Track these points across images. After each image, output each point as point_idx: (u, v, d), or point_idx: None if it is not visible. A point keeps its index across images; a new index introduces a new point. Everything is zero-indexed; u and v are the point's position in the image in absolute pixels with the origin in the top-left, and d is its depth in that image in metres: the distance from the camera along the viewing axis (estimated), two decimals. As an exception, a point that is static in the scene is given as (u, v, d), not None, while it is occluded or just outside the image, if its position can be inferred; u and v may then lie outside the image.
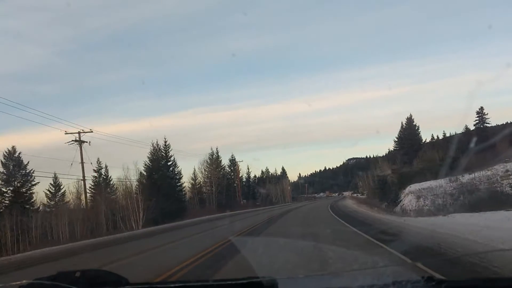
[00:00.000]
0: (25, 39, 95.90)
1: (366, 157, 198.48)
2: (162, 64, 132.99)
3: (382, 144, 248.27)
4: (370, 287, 2.02)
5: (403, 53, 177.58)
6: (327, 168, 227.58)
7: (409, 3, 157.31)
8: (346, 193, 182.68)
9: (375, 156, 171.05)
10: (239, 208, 48.26)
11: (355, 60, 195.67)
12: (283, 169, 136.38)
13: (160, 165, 43.98)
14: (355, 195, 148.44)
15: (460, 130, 64.77)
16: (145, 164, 43.23)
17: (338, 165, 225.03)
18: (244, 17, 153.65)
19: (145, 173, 42.09)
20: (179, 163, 52.18)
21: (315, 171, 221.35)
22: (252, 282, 2.02)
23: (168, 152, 46.85)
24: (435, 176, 38.14)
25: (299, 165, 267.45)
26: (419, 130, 72.80)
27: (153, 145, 45.74)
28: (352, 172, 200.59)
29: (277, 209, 50.41)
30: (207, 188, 59.44)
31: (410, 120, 73.07)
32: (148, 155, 44.36)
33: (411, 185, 39.36)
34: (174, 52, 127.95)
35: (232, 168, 63.65)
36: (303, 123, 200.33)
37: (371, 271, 5.40)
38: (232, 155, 67.72)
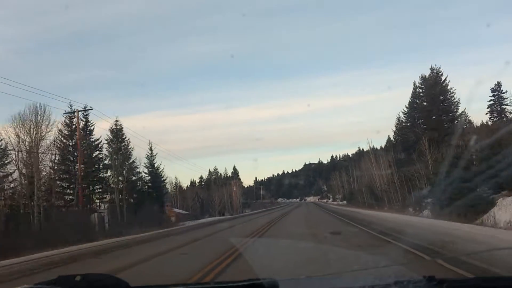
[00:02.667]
0: None
1: (333, 157, 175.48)
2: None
3: (344, 149, 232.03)
4: (372, 287, 2.00)
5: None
6: (285, 172, 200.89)
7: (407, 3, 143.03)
8: (309, 199, 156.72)
9: (345, 155, 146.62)
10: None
11: (317, 67, 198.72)
12: (234, 169, 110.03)
13: None
14: (325, 200, 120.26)
15: None
16: None
17: (298, 169, 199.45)
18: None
19: None
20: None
21: (273, 175, 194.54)
22: (253, 284, 1.98)
23: None
24: None
25: (255, 170, 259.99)
26: (453, 89, 43.60)
27: None
28: (314, 176, 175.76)
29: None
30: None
31: (436, 74, 43.95)
32: None
33: None
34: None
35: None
36: (261, 129, 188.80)
37: (372, 271, 5.32)
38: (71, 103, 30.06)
